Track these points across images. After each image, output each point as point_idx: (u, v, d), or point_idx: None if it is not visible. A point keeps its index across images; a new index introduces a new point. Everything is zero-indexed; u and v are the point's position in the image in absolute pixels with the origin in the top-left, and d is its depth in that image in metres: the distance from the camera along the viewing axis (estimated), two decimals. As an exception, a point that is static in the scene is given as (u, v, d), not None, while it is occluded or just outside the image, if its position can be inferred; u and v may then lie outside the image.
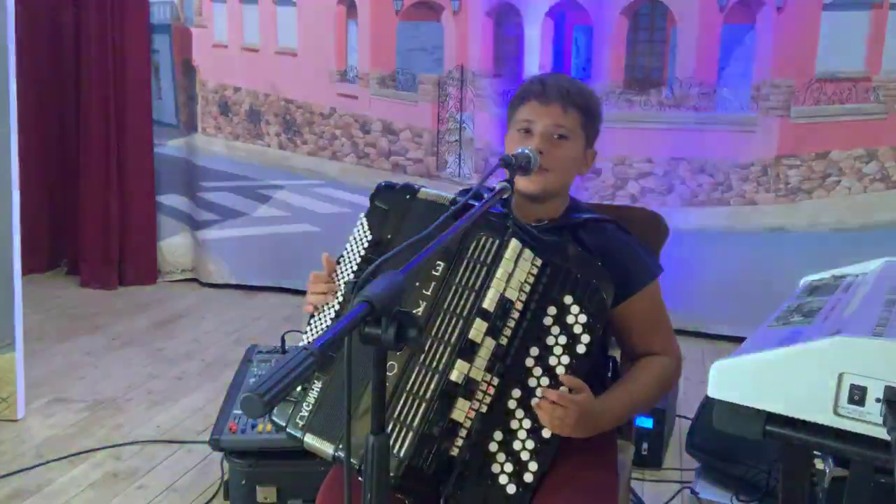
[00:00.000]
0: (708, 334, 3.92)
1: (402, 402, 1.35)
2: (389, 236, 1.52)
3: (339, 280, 1.55)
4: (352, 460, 1.22)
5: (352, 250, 1.56)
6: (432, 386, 1.34)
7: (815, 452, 1.50)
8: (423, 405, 1.34)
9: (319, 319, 1.54)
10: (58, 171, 4.78)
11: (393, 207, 1.54)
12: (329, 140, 4.57)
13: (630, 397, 1.51)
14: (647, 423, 2.67)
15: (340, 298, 1.52)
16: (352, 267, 1.54)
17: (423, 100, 4.38)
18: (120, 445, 2.81)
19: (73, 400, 3.16)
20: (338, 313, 1.51)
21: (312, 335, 1.54)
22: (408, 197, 1.54)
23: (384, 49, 4.41)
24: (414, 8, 4.33)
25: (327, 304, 1.53)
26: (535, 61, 4.12)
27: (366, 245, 1.54)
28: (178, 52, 4.69)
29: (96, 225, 4.63)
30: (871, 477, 1.35)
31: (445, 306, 1.38)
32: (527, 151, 1.47)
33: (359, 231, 1.57)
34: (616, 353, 1.69)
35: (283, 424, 1.46)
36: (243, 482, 2.27)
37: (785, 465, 1.47)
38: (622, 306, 1.52)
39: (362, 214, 1.58)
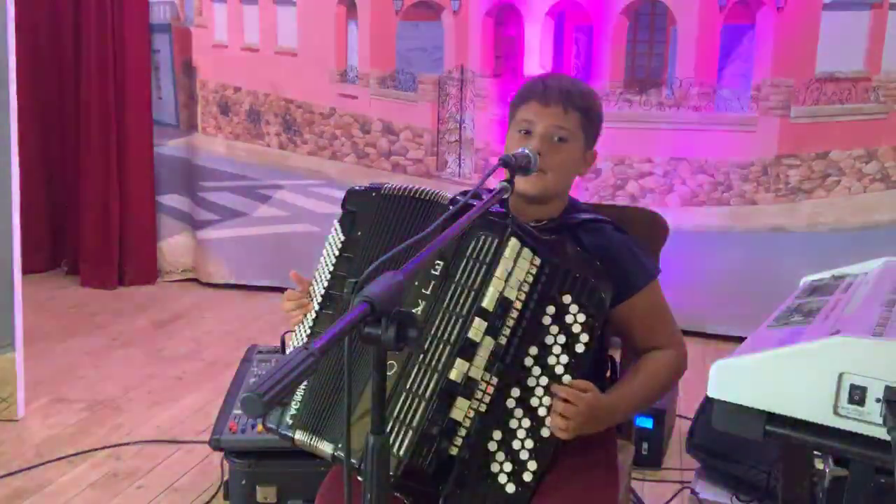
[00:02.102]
0: (708, 334, 3.92)
1: (401, 401, 1.35)
2: (359, 233, 1.55)
3: (317, 282, 1.57)
4: (352, 459, 1.22)
5: (327, 254, 1.58)
6: (432, 385, 1.34)
7: (815, 452, 1.50)
8: (423, 404, 1.34)
9: (303, 323, 1.56)
10: (58, 172, 4.78)
11: (360, 207, 1.57)
12: (329, 140, 4.57)
13: (639, 390, 1.52)
14: (647, 423, 2.67)
15: (319, 299, 1.54)
16: (328, 269, 1.56)
17: (423, 100, 4.38)
18: (120, 445, 2.81)
19: (73, 400, 3.16)
20: (317, 314, 1.53)
21: (297, 341, 1.56)
22: (373, 195, 1.56)
23: (384, 49, 4.41)
24: (414, 8, 4.33)
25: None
26: (535, 61, 4.12)
27: (339, 245, 1.57)
28: (178, 52, 4.69)
29: (96, 225, 4.62)
30: (871, 477, 1.36)
31: (445, 305, 1.38)
32: (526, 151, 1.47)
33: (333, 235, 1.59)
34: (616, 354, 1.69)
35: (275, 427, 1.47)
36: (243, 482, 2.27)
37: (785, 465, 1.47)
38: (622, 307, 1.52)
39: (336, 220, 1.60)
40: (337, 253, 1.56)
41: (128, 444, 2.82)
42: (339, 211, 1.61)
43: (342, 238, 1.57)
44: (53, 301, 4.38)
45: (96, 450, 2.77)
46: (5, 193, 2.83)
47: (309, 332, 1.53)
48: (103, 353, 3.68)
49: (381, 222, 1.52)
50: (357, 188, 1.61)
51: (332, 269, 1.55)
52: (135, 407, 3.12)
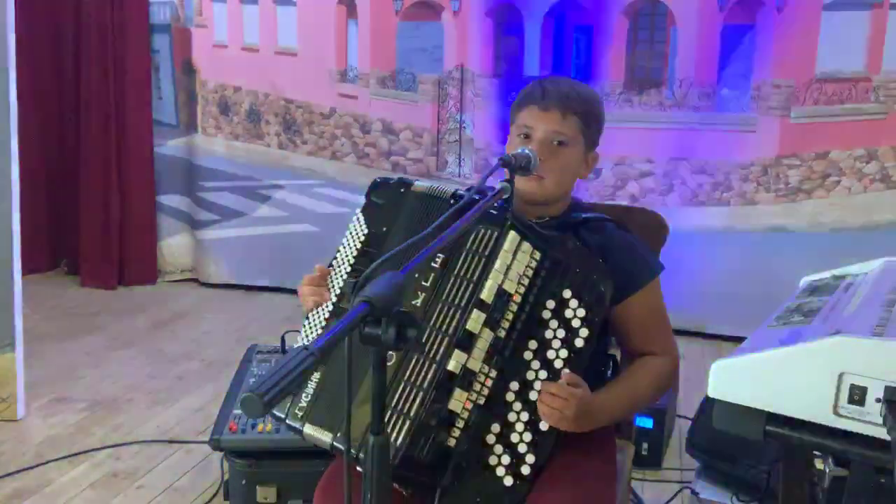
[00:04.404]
0: (708, 334, 3.92)
1: (399, 390, 1.36)
2: (385, 229, 1.54)
3: (335, 275, 1.56)
4: (351, 450, 1.22)
5: (348, 245, 1.58)
6: (430, 376, 1.35)
7: (815, 452, 1.50)
8: (421, 394, 1.34)
9: (315, 317, 1.55)
10: (58, 171, 4.77)
11: (388, 201, 1.57)
12: (329, 140, 4.57)
13: (627, 396, 1.52)
14: (647, 423, 2.67)
15: (338, 291, 1.53)
16: (349, 260, 1.55)
17: (423, 100, 4.38)
18: (120, 445, 2.81)
19: (73, 400, 3.16)
20: (335, 306, 1.53)
21: (309, 333, 1.56)
22: (402, 190, 1.56)
23: (384, 49, 4.41)
24: (414, 8, 4.33)
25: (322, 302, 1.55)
26: (535, 61, 4.12)
27: (362, 239, 1.56)
28: (178, 52, 4.69)
29: (96, 225, 4.62)
30: (871, 477, 1.36)
31: (444, 297, 1.39)
32: (526, 151, 1.48)
33: (355, 226, 1.58)
34: (616, 352, 1.69)
35: (283, 416, 1.47)
36: (243, 482, 2.27)
37: (785, 465, 1.47)
38: (622, 305, 1.52)
39: (358, 209, 1.60)
40: (359, 246, 1.56)
41: (128, 444, 2.82)
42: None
43: (365, 231, 1.56)
44: (53, 301, 4.38)
45: (96, 450, 2.77)
46: (5, 193, 2.83)
47: (324, 324, 1.53)
48: (103, 353, 3.68)
49: (409, 221, 1.51)
50: (385, 180, 1.60)
51: (352, 262, 1.55)
52: (135, 407, 3.12)
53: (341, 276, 1.55)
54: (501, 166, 1.43)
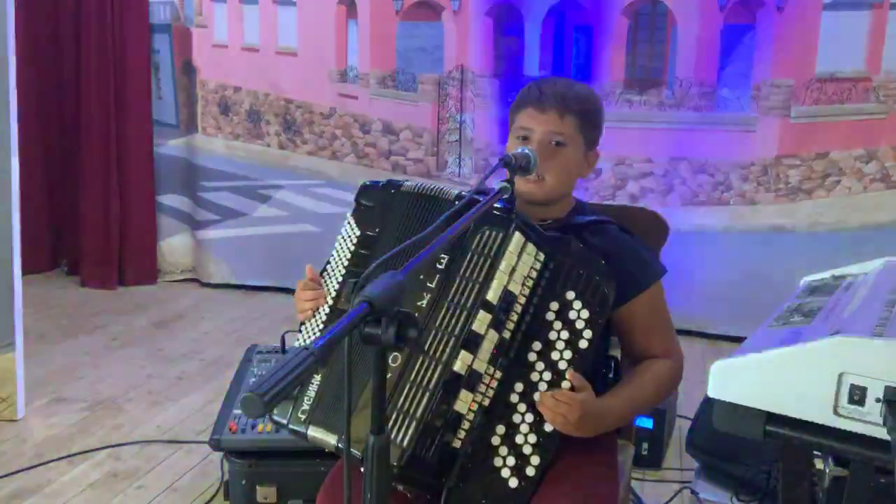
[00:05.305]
0: (708, 334, 3.92)
1: (405, 392, 1.35)
2: (377, 230, 1.54)
3: (330, 278, 1.56)
4: (355, 451, 1.22)
5: (341, 248, 1.58)
6: (436, 376, 1.35)
7: (815, 452, 1.51)
8: (427, 395, 1.34)
9: (313, 319, 1.56)
10: (58, 171, 4.77)
11: (378, 203, 1.57)
12: (329, 140, 4.57)
13: (632, 399, 1.52)
14: (647, 423, 2.67)
15: (334, 294, 1.53)
16: (342, 263, 1.55)
17: (423, 100, 4.38)
18: (120, 445, 2.81)
19: (73, 400, 3.16)
20: (332, 309, 1.53)
21: (307, 336, 1.56)
22: (392, 191, 1.56)
23: (384, 49, 4.41)
24: (414, 8, 4.33)
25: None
26: (535, 61, 4.12)
27: (354, 242, 1.56)
28: (178, 52, 4.69)
29: (96, 225, 4.62)
30: (871, 477, 1.36)
31: (449, 298, 1.39)
32: (526, 151, 1.48)
33: (346, 230, 1.59)
34: (617, 353, 1.69)
35: (285, 422, 1.47)
36: (243, 482, 2.27)
37: (785, 465, 1.47)
38: (625, 307, 1.52)
39: (349, 213, 1.60)
40: (352, 248, 1.56)
41: (128, 444, 2.82)
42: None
43: (357, 234, 1.56)
44: (53, 301, 4.38)
45: (96, 450, 2.77)
46: (5, 193, 2.83)
47: (322, 327, 1.53)
48: (103, 353, 3.68)
49: (401, 220, 1.52)
50: (373, 183, 1.61)
51: (346, 264, 1.55)
52: (135, 407, 3.12)
53: (336, 279, 1.55)
54: (502, 166, 1.43)
